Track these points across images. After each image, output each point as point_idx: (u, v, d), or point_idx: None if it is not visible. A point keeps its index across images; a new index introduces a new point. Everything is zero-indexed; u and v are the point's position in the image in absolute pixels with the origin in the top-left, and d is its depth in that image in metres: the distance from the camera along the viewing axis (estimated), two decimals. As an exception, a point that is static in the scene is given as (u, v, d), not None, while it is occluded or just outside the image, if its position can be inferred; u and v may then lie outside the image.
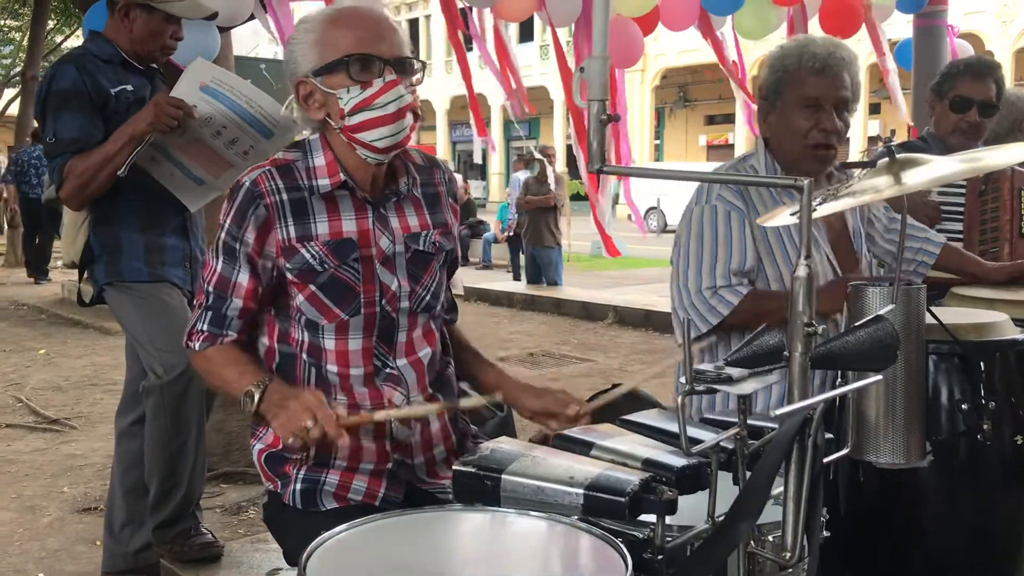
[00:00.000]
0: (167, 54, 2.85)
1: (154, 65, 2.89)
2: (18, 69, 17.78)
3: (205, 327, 1.72)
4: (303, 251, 1.67)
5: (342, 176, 1.70)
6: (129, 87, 2.74)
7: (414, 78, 1.69)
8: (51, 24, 15.82)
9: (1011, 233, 2.77)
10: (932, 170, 1.54)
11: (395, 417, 1.69)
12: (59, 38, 17.33)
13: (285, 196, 1.68)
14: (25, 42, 16.16)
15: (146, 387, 2.76)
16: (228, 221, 1.69)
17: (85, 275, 2.88)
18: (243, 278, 1.69)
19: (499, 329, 8.23)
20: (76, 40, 16.38)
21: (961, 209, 2.82)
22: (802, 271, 1.16)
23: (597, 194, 5.09)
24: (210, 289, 1.71)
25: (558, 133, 31.13)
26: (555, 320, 9.12)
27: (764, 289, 2.18)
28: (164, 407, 2.73)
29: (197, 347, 1.73)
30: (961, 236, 2.81)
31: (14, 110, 16.60)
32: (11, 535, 3.56)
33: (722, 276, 2.14)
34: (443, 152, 33.69)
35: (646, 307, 8.69)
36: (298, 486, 1.72)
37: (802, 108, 2.16)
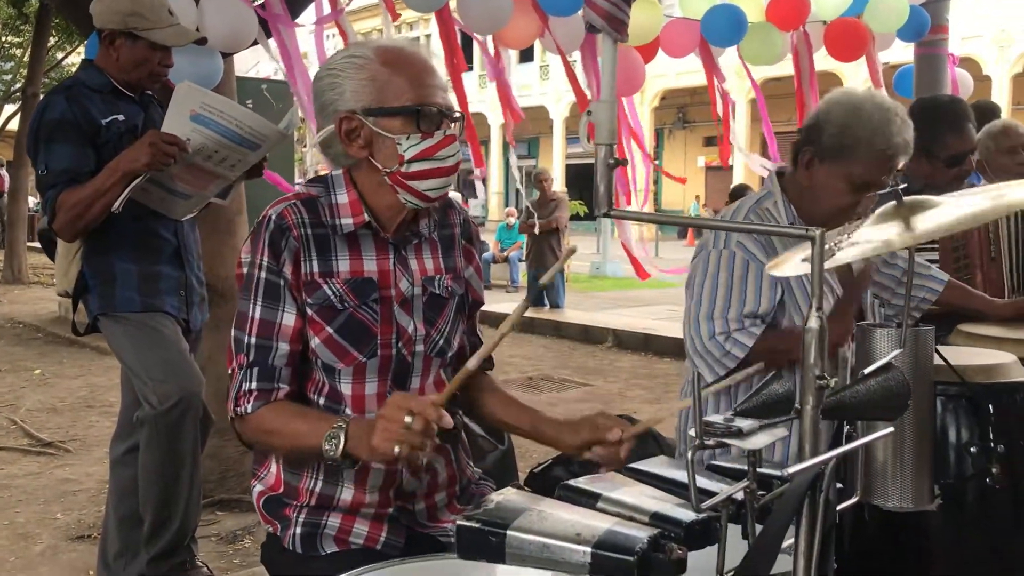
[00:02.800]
0: (157, 81, 2.84)
1: (148, 92, 2.88)
2: (19, 85, 17.78)
3: (254, 386, 1.60)
4: (324, 287, 1.64)
5: (366, 217, 1.67)
6: (120, 116, 2.73)
7: (458, 129, 1.69)
8: (52, 41, 15.82)
9: (981, 259, 2.74)
10: (943, 214, 1.51)
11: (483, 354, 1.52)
12: (60, 55, 17.34)
13: (310, 231, 1.64)
14: (26, 58, 16.18)
15: (140, 417, 2.73)
16: (264, 257, 1.61)
17: (79, 304, 2.86)
18: (289, 318, 1.62)
19: (498, 352, 8.13)
20: (77, 57, 16.42)
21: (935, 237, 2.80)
22: (814, 323, 1.14)
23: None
24: (251, 341, 1.61)
25: (557, 153, 31.20)
26: (554, 343, 9.09)
27: (777, 331, 2.14)
28: (158, 437, 2.70)
29: (250, 409, 1.60)
30: (938, 264, 2.78)
31: (14, 126, 16.61)
32: (2, 563, 3.51)
33: (735, 320, 2.10)
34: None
35: (646, 331, 8.67)
36: (298, 530, 1.69)
37: (851, 183, 2.08)
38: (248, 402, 1.61)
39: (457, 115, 1.68)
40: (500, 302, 11.26)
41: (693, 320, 2.16)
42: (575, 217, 14.11)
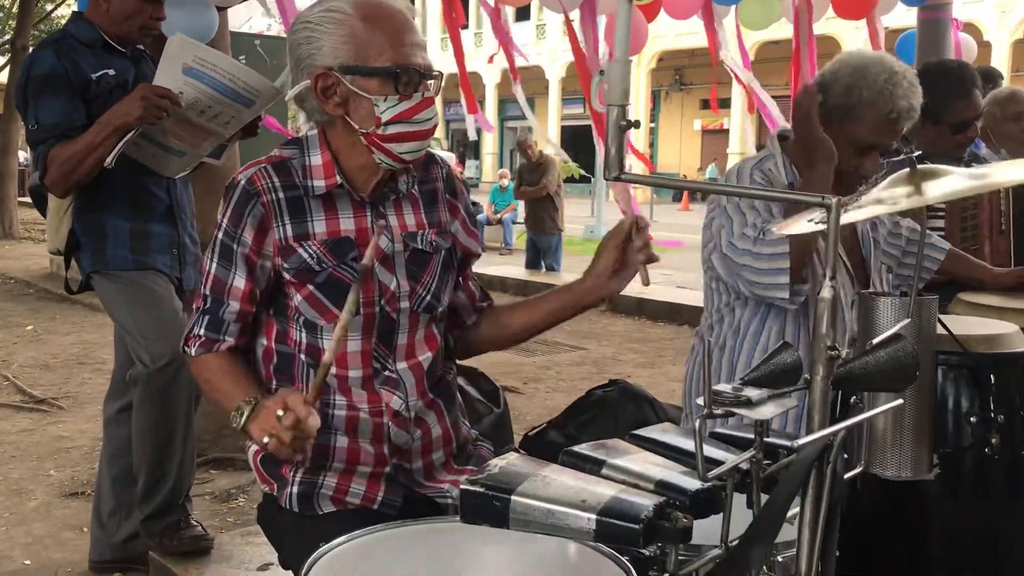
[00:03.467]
0: (149, 35, 2.78)
1: (139, 47, 2.82)
2: (7, 37, 17.49)
3: (202, 331, 1.67)
4: (300, 251, 1.63)
5: (338, 179, 1.65)
6: (111, 71, 2.67)
7: (436, 92, 1.66)
8: (41, -7, 15.59)
9: (990, 230, 2.73)
10: (952, 183, 1.49)
11: (336, 339, 1.44)
12: (49, 6, 17.07)
13: (282, 194, 1.63)
14: (15, 10, 15.91)
15: (133, 376, 2.72)
16: (225, 220, 1.64)
17: (71, 262, 2.83)
18: (239, 281, 1.64)
19: (491, 313, 8.17)
20: (66, 9, 16.16)
21: (942, 206, 2.78)
22: (827, 292, 1.12)
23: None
24: (207, 292, 1.66)
25: (553, 114, 31.01)
26: (547, 305, 9.08)
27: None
28: (151, 397, 2.68)
29: (194, 353, 1.68)
30: (943, 234, 2.77)
31: (3, 78, 16.39)
32: (-4, 519, 3.52)
33: (753, 227, 2.07)
34: (437, 131, 33.51)
35: (639, 295, 8.66)
36: (295, 489, 1.69)
37: (855, 145, 2.07)
38: (194, 345, 1.68)
39: (435, 74, 1.65)
40: (494, 264, 11.26)
41: (727, 262, 2.11)
42: (570, 180, 14.05)
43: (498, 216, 14.44)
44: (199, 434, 3.26)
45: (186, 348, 1.69)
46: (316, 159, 1.66)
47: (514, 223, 14.27)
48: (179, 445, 2.73)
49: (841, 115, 2.07)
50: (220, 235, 1.65)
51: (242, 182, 1.63)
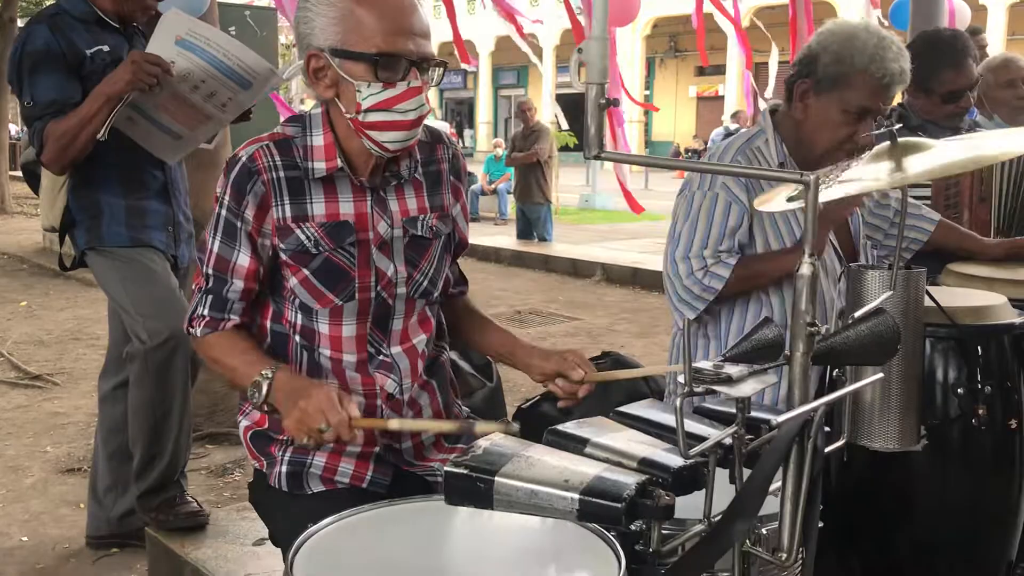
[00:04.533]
0: (147, 14, 2.76)
1: (134, 23, 2.79)
2: (-5, 10, 17.31)
3: (206, 311, 1.66)
4: (298, 232, 1.62)
5: (339, 162, 1.62)
6: (105, 47, 2.64)
7: (434, 80, 1.62)
8: (29, -36, 15.40)
9: (970, 199, 2.72)
10: (935, 157, 1.49)
11: (409, 429, 1.67)
12: (37, -22, 16.87)
13: (282, 174, 1.61)
14: (2, -18, 15.72)
15: (130, 352, 2.72)
16: (227, 197, 1.61)
17: (65, 239, 2.82)
18: (244, 259, 1.63)
19: (487, 285, 8.19)
20: (54, -19, 15.96)
21: None
22: (806, 269, 1.12)
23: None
24: (209, 271, 1.65)
25: (547, 82, 30.79)
26: (543, 277, 9.09)
27: (752, 255, 2.13)
28: (148, 373, 2.69)
29: (199, 333, 1.67)
30: (929, 202, 2.77)
31: (-9, 52, 16.21)
32: (-6, 496, 3.54)
33: (711, 255, 2.10)
34: (431, 100, 33.33)
35: (634, 264, 8.68)
36: (284, 468, 1.70)
37: (849, 112, 2.06)
38: (199, 326, 1.67)
39: (434, 63, 1.60)
40: (488, 235, 11.24)
41: (670, 261, 2.16)
42: (564, 148, 13.99)
43: (492, 186, 14.38)
44: (194, 409, 3.27)
45: (190, 329, 1.68)
46: (318, 140, 1.63)
47: (509, 193, 14.23)
48: (175, 422, 2.74)
49: (831, 84, 2.07)
50: (223, 212, 1.62)
51: (243, 159, 1.61)
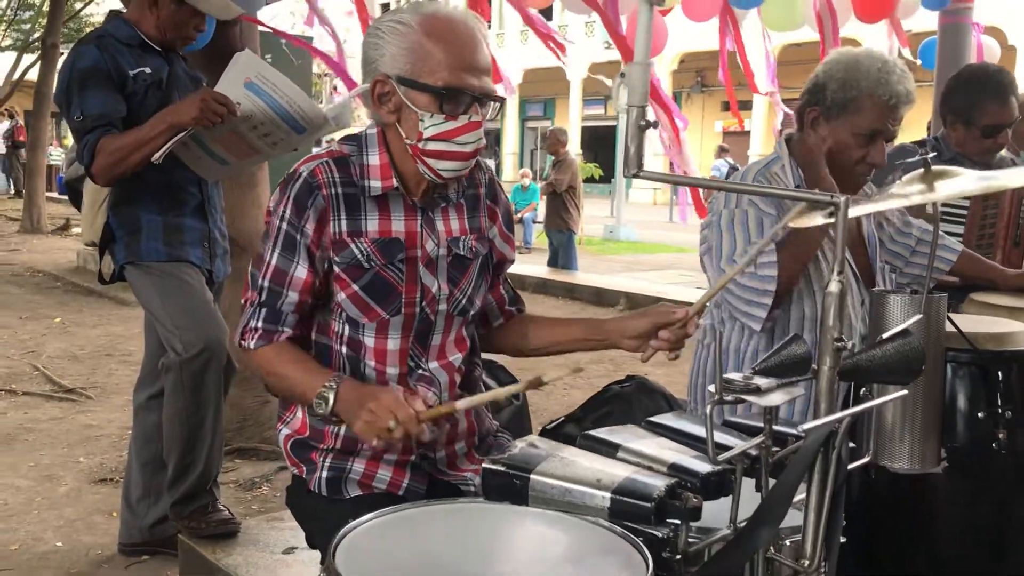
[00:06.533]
0: (187, 43, 2.91)
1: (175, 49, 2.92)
2: (38, 35, 17.74)
3: (259, 324, 1.69)
4: (352, 247, 1.68)
5: (395, 182, 1.69)
6: (147, 69, 2.77)
7: (491, 115, 1.68)
8: (71, -9, 15.80)
9: (1005, 240, 2.75)
10: (964, 183, 1.54)
11: (475, 404, 1.65)
12: (79, 5, 17.29)
13: (340, 190, 1.67)
14: (45, 8, 16.15)
15: (165, 364, 2.80)
16: (287, 211, 1.67)
17: (105, 254, 2.92)
18: (301, 271, 1.68)
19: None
20: (95, 7, 16.36)
21: (964, 212, 2.82)
22: (834, 287, 1.18)
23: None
24: (264, 284, 1.69)
25: (574, 114, 31.00)
26: (567, 305, 9.15)
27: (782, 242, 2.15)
28: (183, 384, 2.76)
29: (252, 345, 1.70)
30: (961, 238, 2.80)
31: (33, 75, 16.60)
32: (29, 503, 3.62)
33: (746, 252, 2.13)
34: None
35: (658, 295, 8.70)
36: (324, 474, 1.75)
37: (859, 135, 2.13)
38: (252, 339, 1.70)
39: (495, 99, 1.67)
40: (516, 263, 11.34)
41: (719, 273, 2.19)
42: (589, 180, 14.10)
43: (519, 215, 14.54)
44: (224, 424, 3.35)
45: (242, 342, 1.71)
46: (374, 159, 1.70)
47: (535, 222, 14.36)
48: (209, 431, 2.81)
49: (840, 110, 2.15)
50: (283, 225, 1.67)
51: (304, 174, 1.67)
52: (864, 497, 1.99)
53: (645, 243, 15.49)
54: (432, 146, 1.64)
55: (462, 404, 1.58)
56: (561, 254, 10.60)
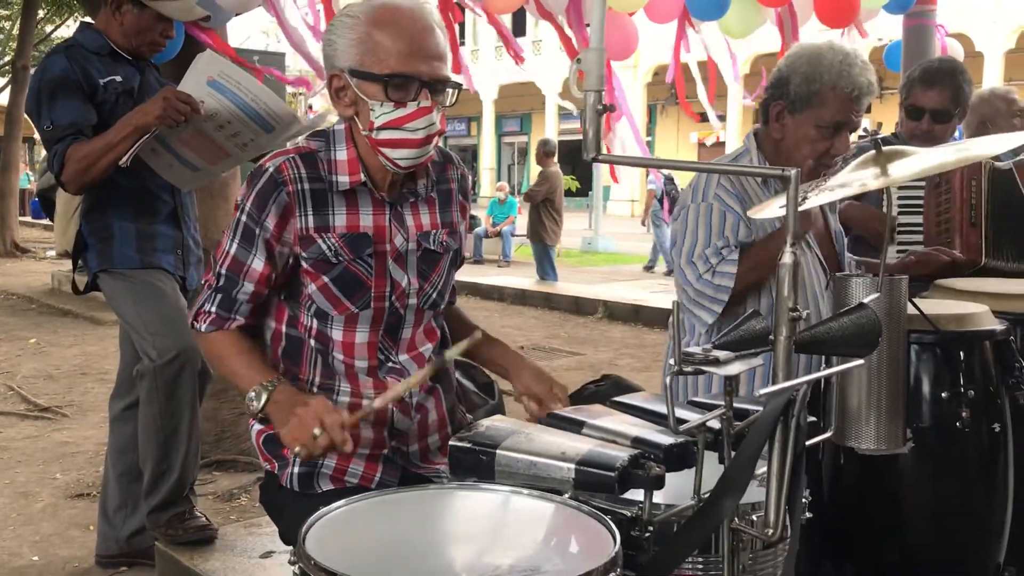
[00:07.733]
0: (156, 50, 2.90)
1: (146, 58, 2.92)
2: (8, 59, 17.66)
3: (213, 309, 1.73)
4: (320, 242, 1.69)
5: (362, 176, 1.71)
6: (118, 78, 2.77)
7: (448, 101, 1.69)
8: (41, 14, 15.74)
9: (961, 223, 2.78)
10: (917, 162, 1.58)
11: (391, 399, 1.68)
12: (49, 28, 17.24)
13: (307, 186, 1.68)
14: (15, 31, 16.09)
15: (140, 371, 2.79)
16: (248, 205, 1.69)
17: (79, 264, 2.91)
18: (258, 263, 1.70)
19: (490, 323, 8.26)
20: (66, 30, 16.30)
21: (920, 202, 2.86)
22: (787, 258, 1.20)
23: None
24: (222, 271, 1.72)
25: (550, 128, 31.14)
26: (545, 314, 9.17)
27: (748, 246, 2.19)
28: (157, 391, 2.76)
29: (203, 328, 1.74)
30: (921, 228, 2.85)
31: (4, 99, 16.53)
32: (5, 520, 3.58)
33: (714, 254, 2.17)
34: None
35: (635, 302, 8.76)
36: (296, 469, 1.76)
37: (824, 127, 2.17)
38: (204, 322, 1.74)
39: (448, 86, 1.67)
40: (492, 275, 11.35)
41: (678, 270, 2.23)
42: (567, 193, 14.18)
43: (496, 229, 14.58)
44: (201, 436, 3.34)
45: (195, 323, 1.75)
46: (342, 154, 1.72)
47: (513, 236, 14.42)
48: (184, 438, 2.80)
49: (805, 103, 2.19)
50: (243, 218, 1.69)
51: (270, 170, 1.68)
52: (833, 478, 2.03)
53: (623, 254, 15.56)
54: (384, 135, 1.65)
55: (378, 402, 1.62)
56: (538, 266, 10.69)
